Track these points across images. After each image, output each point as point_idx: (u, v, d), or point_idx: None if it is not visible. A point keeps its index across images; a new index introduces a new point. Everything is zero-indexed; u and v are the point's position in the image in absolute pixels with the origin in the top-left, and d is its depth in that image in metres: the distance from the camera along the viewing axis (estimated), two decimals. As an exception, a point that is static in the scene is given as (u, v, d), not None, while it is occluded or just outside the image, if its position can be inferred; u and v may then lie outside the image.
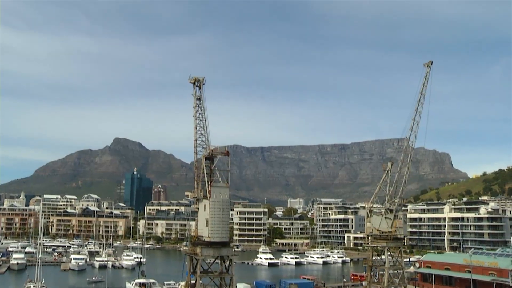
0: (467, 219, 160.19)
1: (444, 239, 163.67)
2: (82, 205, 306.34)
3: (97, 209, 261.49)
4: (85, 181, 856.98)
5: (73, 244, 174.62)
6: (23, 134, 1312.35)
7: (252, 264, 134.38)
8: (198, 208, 51.28)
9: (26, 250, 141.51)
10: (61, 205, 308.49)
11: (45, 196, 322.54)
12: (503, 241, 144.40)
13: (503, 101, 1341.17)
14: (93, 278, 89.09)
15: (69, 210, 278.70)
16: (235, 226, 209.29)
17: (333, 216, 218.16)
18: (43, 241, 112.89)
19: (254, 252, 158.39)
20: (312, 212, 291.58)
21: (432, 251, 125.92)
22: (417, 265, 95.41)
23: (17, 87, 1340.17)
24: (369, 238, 66.30)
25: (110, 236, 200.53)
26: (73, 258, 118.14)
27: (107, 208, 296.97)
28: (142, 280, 74.68)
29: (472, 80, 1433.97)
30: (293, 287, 70.10)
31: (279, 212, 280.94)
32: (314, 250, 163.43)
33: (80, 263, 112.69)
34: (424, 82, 61.21)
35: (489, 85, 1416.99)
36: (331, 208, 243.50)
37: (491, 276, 72.11)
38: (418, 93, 61.61)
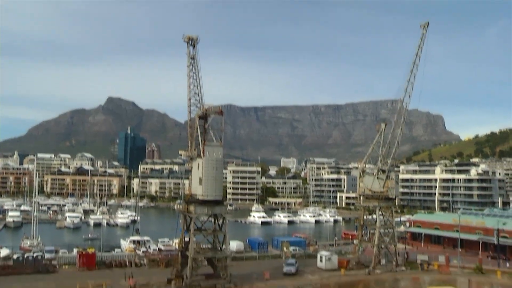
0: (458, 181, 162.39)
1: (435, 200, 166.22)
2: (76, 164, 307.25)
3: (91, 168, 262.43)
4: (78, 140, 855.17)
5: (67, 203, 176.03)
6: (16, 93, 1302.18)
7: (245, 222, 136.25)
8: (191, 167, 51.59)
9: (22, 208, 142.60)
10: (55, 164, 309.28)
11: (39, 155, 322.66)
12: (491, 202, 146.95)
13: (498, 64, 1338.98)
14: (89, 235, 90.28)
15: (63, 169, 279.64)
16: (228, 185, 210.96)
17: (326, 176, 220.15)
18: (38, 200, 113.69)
19: (247, 210, 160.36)
20: (305, 171, 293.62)
21: (423, 211, 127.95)
22: (408, 224, 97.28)
23: (10, 45, 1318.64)
24: (361, 197, 67.11)
25: (105, 194, 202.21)
26: (68, 216, 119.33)
27: (101, 167, 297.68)
28: (136, 238, 75.73)
29: (467, 42, 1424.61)
30: (285, 245, 71.16)
31: (272, 172, 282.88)
32: (306, 209, 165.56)
33: (75, 221, 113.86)
34: (420, 44, 60.67)
35: (485, 48, 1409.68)
36: (324, 168, 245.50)
37: (477, 235, 73.81)
38: (413, 54, 61.19)
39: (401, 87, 61.87)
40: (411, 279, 56.32)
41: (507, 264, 60.66)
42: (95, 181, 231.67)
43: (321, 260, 60.48)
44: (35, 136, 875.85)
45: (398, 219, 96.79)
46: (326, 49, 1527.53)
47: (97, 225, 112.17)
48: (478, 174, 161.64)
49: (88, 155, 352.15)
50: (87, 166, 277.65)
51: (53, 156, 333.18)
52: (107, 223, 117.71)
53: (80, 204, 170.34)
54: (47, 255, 59.07)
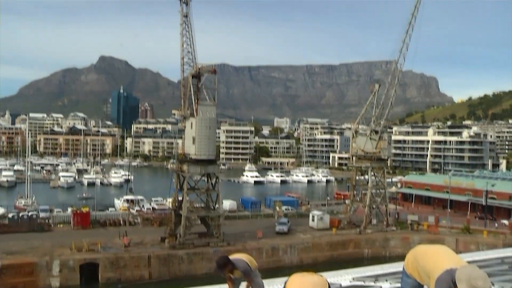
0: (450, 143, 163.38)
1: (426, 161, 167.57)
2: (69, 123, 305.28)
3: (84, 128, 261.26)
4: (71, 99, 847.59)
5: (61, 162, 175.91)
6: (6, 52, 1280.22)
7: (238, 181, 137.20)
8: (185, 126, 51.55)
9: (15, 168, 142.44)
10: (47, 123, 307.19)
11: (31, 114, 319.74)
12: (481, 164, 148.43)
13: (494, 26, 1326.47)
14: (83, 194, 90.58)
15: (56, 128, 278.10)
16: (221, 145, 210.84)
17: (319, 136, 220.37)
18: (31, 159, 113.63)
19: (240, 170, 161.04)
20: (298, 131, 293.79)
21: (414, 172, 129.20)
22: (399, 185, 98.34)
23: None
24: (353, 158, 67.54)
25: (98, 154, 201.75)
26: (62, 176, 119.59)
27: (94, 126, 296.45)
28: (130, 197, 76.21)
29: (464, 2, 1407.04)
30: (278, 204, 71.80)
31: (265, 131, 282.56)
32: (299, 169, 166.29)
33: (69, 181, 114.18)
34: (416, 4, 59.86)
35: (481, 9, 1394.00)
36: (317, 128, 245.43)
37: (467, 196, 74.88)
38: (409, 14, 60.45)
39: (395, 48, 61.39)
40: (401, 238, 57.35)
41: (496, 224, 61.71)
42: (88, 141, 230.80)
43: (313, 220, 61.30)
44: (26, 95, 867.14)
45: (390, 179, 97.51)
46: (320, 8, 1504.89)
47: (91, 184, 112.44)
48: (470, 136, 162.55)
49: (81, 114, 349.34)
50: (80, 126, 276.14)
51: (45, 115, 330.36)
52: (100, 183, 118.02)
53: (74, 163, 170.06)
54: (41, 214, 59.50)
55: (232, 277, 7.94)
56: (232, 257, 7.79)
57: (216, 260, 7.76)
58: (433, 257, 5.21)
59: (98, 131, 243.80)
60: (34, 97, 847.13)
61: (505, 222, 61.83)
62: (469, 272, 4.57)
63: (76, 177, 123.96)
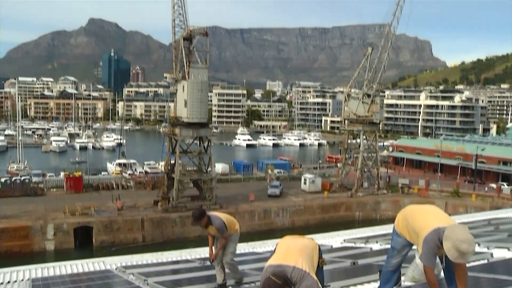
0: (442, 107, 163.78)
1: (418, 125, 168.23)
2: (59, 87, 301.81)
3: (75, 91, 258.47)
4: (60, 63, 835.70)
5: (52, 127, 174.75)
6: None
7: (231, 145, 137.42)
8: (176, 90, 51.28)
9: (6, 132, 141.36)
10: (37, 87, 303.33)
11: (20, 78, 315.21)
12: (472, 129, 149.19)
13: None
14: (76, 159, 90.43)
15: (46, 92, 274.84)
16: (213, 108, 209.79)
17: (311, 100, 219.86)
18: (21, 124, 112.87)
19: (232, 133, 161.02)
20: (291, 95, 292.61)
21: (406, 136, 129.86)
22: (390, 149, 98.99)
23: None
24: (345, 121, 67.71)
25: (89, 118, 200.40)
26: (54, 140, 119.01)
27: (85, 90, 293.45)
28: (122, 161, 76.27)
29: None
30: (270, 167, 72.14)
31: (257, 95, 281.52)
32: (291, 132, 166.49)
33: (60, 145, 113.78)
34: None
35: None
36: (309, 92, 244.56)
37: (457, 160, 75.62)
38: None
39: (389, 11, 60.78)
40: (392, 201, 58.13)
41: (486, 188, 62.49)
42: (80, 105, 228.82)
43: (305, 183, 61.84)
44: (15, 59, 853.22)
45: (382, 143, 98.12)
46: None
47: (83, 148, 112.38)
48: (462, 101, 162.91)
49: (71, 78, 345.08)
50: (70, 90, 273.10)
51: (35, 79, 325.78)
52: (93, 147, 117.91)
53: (65, 128, 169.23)
54: (34, 179, 59.43)
55: (213, 234, 8.09)
56: (211, 213, 7.92)
57: (193, 212, 7.92)
58: (422, 216, 5.31)
59: (89, 95, 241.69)
60: (22, 61, 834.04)
61: (493, 185, 62.70)
62: (456, 234, 4.67)
63: (68, 141, 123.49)
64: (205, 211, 7.87)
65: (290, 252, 4.41)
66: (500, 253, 9.19)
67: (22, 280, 10.12)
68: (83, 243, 44.03)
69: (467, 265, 8.31)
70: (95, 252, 41.13)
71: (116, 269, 10.74)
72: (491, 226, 14.16)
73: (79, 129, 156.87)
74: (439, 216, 5.15)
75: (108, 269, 10.85)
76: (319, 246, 4.81)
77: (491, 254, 8.91)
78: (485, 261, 8.47)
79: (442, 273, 5.70)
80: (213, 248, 8.17)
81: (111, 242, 44.49)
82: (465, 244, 4.55)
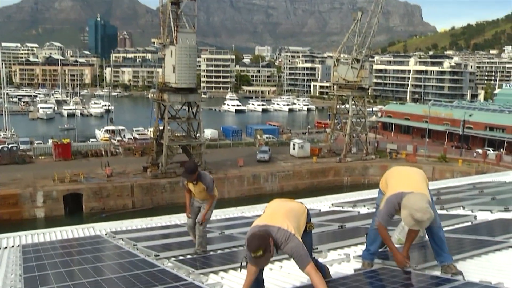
0: (431, 73, 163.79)
1: (407, 91, 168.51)
2: (45, 53, 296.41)
3: (61, 58, 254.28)
4: (45, 28, 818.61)
5: (39, 93, 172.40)
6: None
7: (219, 110, 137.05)
8: (164, 55, 50.65)
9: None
10: (22, 53, 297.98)
11: (4, 44, 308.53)
12: (460, 94, 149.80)
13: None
14: (65, 125, 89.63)
15: (31, 59, 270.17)
16: (202, 73, 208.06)
17: (300, 65, 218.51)
18: (7, 91, 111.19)
19: (221, 99, 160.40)
20: (280, 60, 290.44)
21: (395, 102, 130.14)
22: (379, 114, 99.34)
23: None
24: (334, 87, 67.60)
25: (77, 84, 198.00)
26: (41, 107, 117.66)
27: (71, 56, 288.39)
28: (111, 127, 75.89)
29: None
30: (259, 133, 72.11)
31: (246, 60, 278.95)
32: (280, 98, 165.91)
33: (48, 112, 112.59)
34: None
35: None
36: (298, 57, 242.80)
37: (445, 125, 76.17)
38: None
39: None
40: (380, 166, 58.63)
41: (474, 154, 63.06)
42: (66, 71, 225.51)
43: (294, 148, 62.07)
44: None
45: (370, 109, 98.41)
46: None
47: (71, 115, 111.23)
48: (451, 66, 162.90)
49: (57, 44, 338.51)
50: (56, 56, 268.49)
51: (19, 45, 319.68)
52: (81, 113, 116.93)
53: (52, 94, 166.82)
54: (22, 146, 58.89)
55: (192, 201, 8.04)
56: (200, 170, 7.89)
57: (187, 165, 7.82)
58: (396, 178, 5.50)
59: (76, 61, 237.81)
60: (4, 26, 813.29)
61: (479, 151, 63.43)
62: (413, 202, 4.82)
63: (56, 108, 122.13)
64: (198, 166, 7.83)
65: (277, 214, 4.48)
66: (483, 215, 9.40)
67: (13, 246, 10.18)
68: (73, 210, 44.17)
69: (452, 227, 8.52)
70: (85, 218, 41.29)
71: (106, 234, 10.83)
72: (476, 190, 14.40)
73: (67, 96, 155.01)
74: (410, 181, 5.30)
75: (98, 235, 10.94)
76: (308, 210, 4.87)
77: (475, 217, 9.11)
78: (469, 223, 8.66)
79: (426, 237, 5.85)
80: (190, 206, 8.17)
81: (101, 209, 44.69)
82: (420, 213, 4.71)
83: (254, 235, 4.14)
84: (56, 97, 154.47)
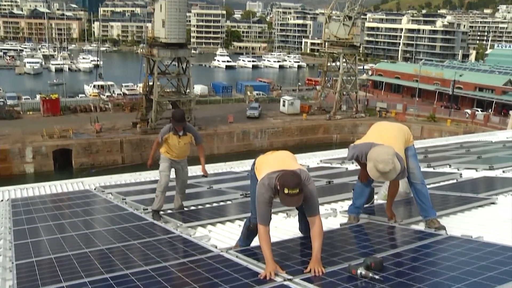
0: (423, 31, 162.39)
1: (398, 50, 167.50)
2: (30, 6, 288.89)
3: (47, 11, 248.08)
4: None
5: (25, 48, 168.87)
6: None
7: (209, 66, 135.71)
8: (154, 9, 49.81)
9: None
10: (5, 5, 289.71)
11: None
12: (452, 54, 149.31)
13: None
14: (54, 80, 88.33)
15: (15, 11, 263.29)
16: (192, 29, 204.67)
17: (291, 21, 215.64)
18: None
19: (211, 54, 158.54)
20: (271, 16, 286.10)
21: (386, 60, 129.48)
22: (370, 72, 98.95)
23: None
24: (325, 44, 66.95)
25: (64, 39, 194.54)
26: (27, 62, 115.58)
27: (57, 9, 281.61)
28: (100, 83, 74.93)
29: None
30: (249, 89, 71.73)
31: (237, 15, 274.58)
32: (271, 54, 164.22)
33: (35, 67, 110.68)
34: None
35: None
36: (290, 13, 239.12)
37: (435, 85, 76.20)
38: None
39: None
40: (369, 125, 57.50)
41: (467, 115, 63.16)
42: (53, 25, 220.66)
43: (283, 105, 61.97)
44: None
45: (361, 67, 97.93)
46: None
47: (59, 70, 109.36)
48: (443, 26, 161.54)
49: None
50: (42, 9, 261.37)
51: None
52: (69, 69, 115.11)
53: (39, 49, 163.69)
54: (9, 101, 58.00)
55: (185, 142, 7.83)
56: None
57: (176, 112, 7.69)
58: (373, 130, 5.69)
59: (63, 15, 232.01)
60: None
61: (468, 111, 63.74)
62: (376, 154, 4.95)
63: (43, 63, 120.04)
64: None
65: (286, 162, 4.53)
66: (468, 173, 9.55)
67: (2, 200, 10.21)
68: (62, 165, 44.08)
69: (438, 184, 8.66)
70: (75, 174, 41.27)
71: (95, 189, 10.89)
72: (462, 149, 14.57)
73: (54, 51, 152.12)
74: (384, 135, 5.45)
75: (87, 189, 10.99)
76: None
77: (460, 175, 9.26)
78: (455, 181, 8.81)
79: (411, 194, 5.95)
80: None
81: (90, 164, 44.70)
82: (381, 164, 4.83)
83: (291, 172, 4.14)
84: (43, 52, 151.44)
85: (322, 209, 7.15)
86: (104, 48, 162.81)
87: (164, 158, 7.97)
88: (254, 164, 4.84)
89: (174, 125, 7.52)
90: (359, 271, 3.73)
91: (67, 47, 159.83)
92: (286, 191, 3.99)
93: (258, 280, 3.88)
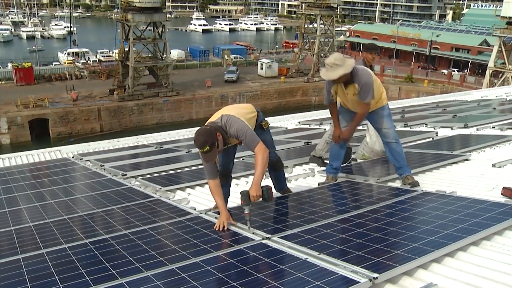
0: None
1: (376, 11, 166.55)
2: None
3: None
4: None
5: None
6: None
7: (186, 30, 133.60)
8: (126, -28, 48.43)
9: None
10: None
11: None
12: (429, 14, 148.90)
13: None
14: (33, 47, 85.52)
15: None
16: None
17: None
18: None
19: (187, 18, 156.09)
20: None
21: (363, 22, 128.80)
22: (347, 34, 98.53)
23: None
24: (302, 5, 66.29)
25: (34, 4, 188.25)
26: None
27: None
28: (74, 50, 73.35)
29: None
30: (226, 53, 71.02)
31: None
32: (248, 17, 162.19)
33: (4, 34, 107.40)
34: None
35: None
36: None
37: (412, 46, 76.40)
38: None
39: None
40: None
41: (447, 75, 63.42)
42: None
43: (261, 68, 61.67)
44: None
45: (339, 28, 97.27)
46: None
47: (30, 38, 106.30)
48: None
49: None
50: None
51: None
52: (41, 36, 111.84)
53: (7, 15, 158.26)
54: (-20, 70, 56.67)
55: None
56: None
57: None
58: None
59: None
60: None
61: (445, 72, 64.22)
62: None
63: (13, 30, 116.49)
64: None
65: (219, 111, 4.65)
66: (444, 132, 9.73)
67: (-23, 170, 10.05)
68: (39, 135, 43.42)
69: (415, 143, 8.80)
70: (53, 144, 40.61)
71: (73, 157, 10.80)
72: (439, 108, 14.75)
73: (24, 17, 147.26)
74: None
75: (65, 158, 10.89)
76: (259, 111, 4.97)
77: (436, 133, 9.41)
78: (431, 139, 8.96)
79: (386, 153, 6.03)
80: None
81: (68, 133, 44.19)
82: (326, 60, 5.22)
83: (199, 131, 4.24)
84: (12, 18, 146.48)
85: (301, 170, 7.24)
86: (76, 14, 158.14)
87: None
88: None
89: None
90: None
91: (37, 13, 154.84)
92: (199, 151, 4.23)
93: (237, 239, 3.94)
